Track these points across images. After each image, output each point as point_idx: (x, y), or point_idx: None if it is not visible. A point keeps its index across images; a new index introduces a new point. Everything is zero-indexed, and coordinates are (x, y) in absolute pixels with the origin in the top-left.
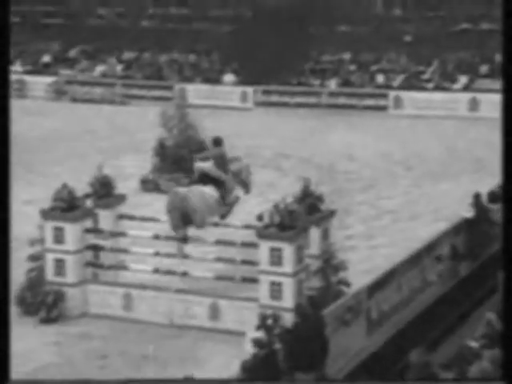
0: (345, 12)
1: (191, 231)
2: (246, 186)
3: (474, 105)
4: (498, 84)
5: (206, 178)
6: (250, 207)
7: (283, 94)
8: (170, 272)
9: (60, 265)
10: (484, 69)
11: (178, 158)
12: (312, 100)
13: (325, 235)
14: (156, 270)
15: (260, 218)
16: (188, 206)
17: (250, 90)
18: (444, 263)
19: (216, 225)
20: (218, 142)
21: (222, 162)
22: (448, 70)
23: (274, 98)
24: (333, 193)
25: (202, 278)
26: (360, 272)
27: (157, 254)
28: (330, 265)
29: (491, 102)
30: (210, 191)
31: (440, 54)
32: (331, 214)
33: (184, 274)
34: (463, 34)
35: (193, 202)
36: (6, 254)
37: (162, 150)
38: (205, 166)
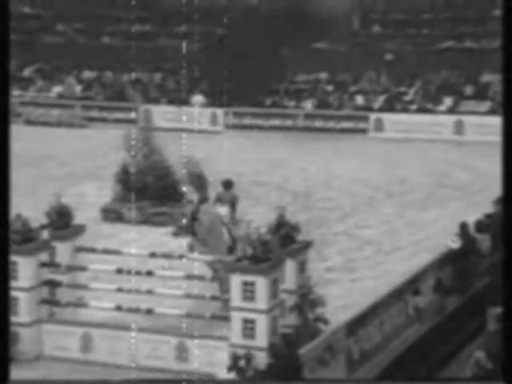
0: (321, 29)
1: (157, 267)
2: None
3: (459, 128)
4: (483, 106)
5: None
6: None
7: (256, 116)
8: (133, 309)
9: (13, 303)
10: (469, 90)
11: (143, 186)
12: (287, 123)
13: (301, 268)
14: (118, 308)
15: (230, 248)
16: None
17: (220, 111)
18: (426, 297)
19: (182, 257)
20: (229, 184)
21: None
22: (431, 90)
23: (246, 121)
24: (310, 222)
25: (169, 315)
26: (339, 308)
27: (119, 289)
28: (306, 300)
29: (477, 125)
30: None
31: (423, 73)
32: (308, 245)
33: (149, 311)
34: (447, 52)
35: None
36: (6, 253)
37: (124, 176)
38: (223, 210)
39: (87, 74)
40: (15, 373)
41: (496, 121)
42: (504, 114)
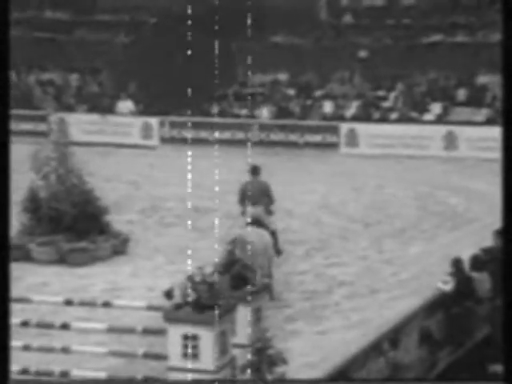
0: (279, 19)
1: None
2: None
3: (449, 141)
4: (479, 114)
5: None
6: (155, 279)
7: (199, 127)
8: (43, 373)
9: None
10: (461, 94)
11: (56, 215)
12: (237, 135)
13: (257, 317)
14: (24, 371)
15: (169, 294)
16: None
17: (154, 121)
18: (411, 352)
19: (107, 305)
20: (256, 171)
21: (268, 200)
22: (416, 95)
23: (186, 133)
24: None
25: (91, 379)
26: (304, 366)
27: (26, 348)
28: (263, 357)
29: (471, 138)
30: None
31: (405, 74)
32: (265, 287)
33: (64, 374)
34: (434, 48)
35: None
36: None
37: (33, 203)
38: (257, 211)
39: None
40: None
41: (495, 132)
42: (504, 125)
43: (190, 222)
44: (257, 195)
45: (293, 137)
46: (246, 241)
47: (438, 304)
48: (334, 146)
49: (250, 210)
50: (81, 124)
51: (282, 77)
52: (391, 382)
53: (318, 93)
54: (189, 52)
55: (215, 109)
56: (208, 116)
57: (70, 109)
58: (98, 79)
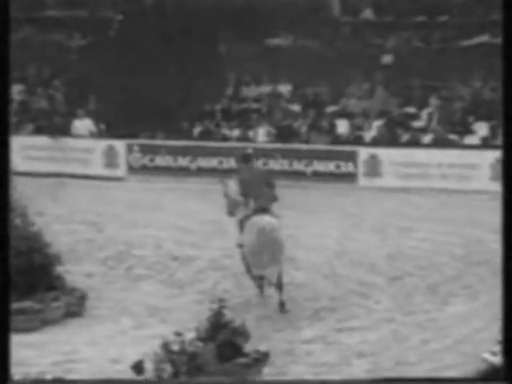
0: (280, 16)
1: None
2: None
3: (499, 171)
4: None
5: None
6: (120, 348)
7: (176, 152)
8: None
9: None
10: None
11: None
12: (226, 163)
13: None
14: None
15: (138, 367)
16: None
17: (119, 145)
18: None
19: (59, 382)
20: (248, 157)
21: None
22: (455, 112)
23: (161, 161)
24: (264, 321)
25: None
26: None
27: None
28: None
29: None
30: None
31: (441, 85)
32: (262, 359)
33: None
34: (477, 51)
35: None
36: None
37: None
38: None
39: None
40: None
41: None
42: (504, 125)
43: (165, 275)
44: (257, 185)
45: (298, 165)
46: (259, 226)
47: (484, 381)
48: (350, 176)
49: (252, 202)
50: (25, 149)
51: (284, 88)
52: (391, 382)
53: (330, 109)
54: (164, 57)
55: (197, 129)
56: (188, 139)
57: (12, 129)
58: (48, 92)
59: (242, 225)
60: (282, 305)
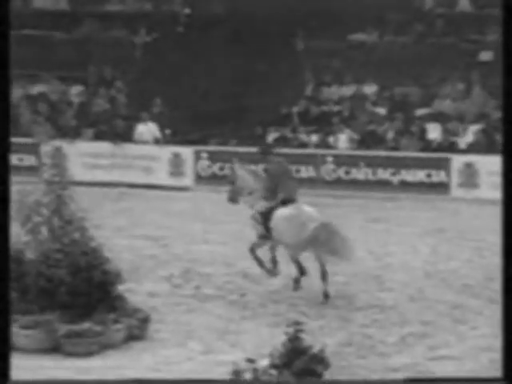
0: (364, 10)
1: None
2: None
3: None
4: None
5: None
6: (186, 375)
7: (249, 160)
8: None
9: None
10: None
11: (49, 285)
12: (305, 172)
13: None
14: None
15: None
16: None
17: (187, 152)
18: None
19: None
20: (268, 150)
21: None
22: None
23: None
24: (345, 346)
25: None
26: None
27: None
28: None
29: None
30: None
31: None
32: None
33: None
34: None
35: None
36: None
37: (16, 268)
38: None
39: None
40: None
41: None
42: (505, 125)
43: (235, 295)
44: (283, 177)
45: (383, 174)
46: (307, 214)
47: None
48: (442, 186)
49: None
50: (84, 156)
51: (369, 89)
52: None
53: (421, 112)
54: (237, 55)
55: (272, 135)
56: (262, 145)
57: (69, 135)
58: (110, 93)
59: (265, 216)
60: (326, 295)
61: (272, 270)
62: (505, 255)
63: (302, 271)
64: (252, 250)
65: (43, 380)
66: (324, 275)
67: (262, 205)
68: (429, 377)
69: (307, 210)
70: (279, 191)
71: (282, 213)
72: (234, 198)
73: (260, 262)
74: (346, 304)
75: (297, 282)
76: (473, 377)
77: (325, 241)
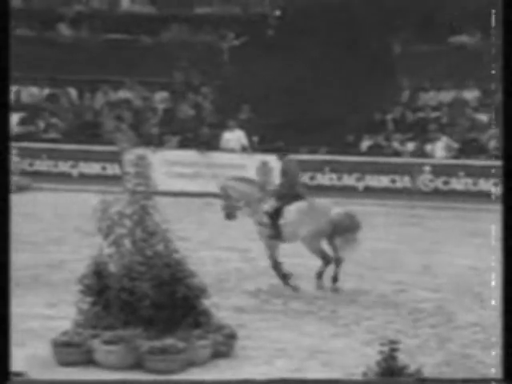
0: (467, 8)
1: None
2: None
3: None
4: None
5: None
6: None
7: (340, 169)
8: None
9: None
10: None
11: (132, 300)
12: (400, 183)
13: None
14: None
15: None
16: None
17: (275, 161)
18: None
19: None
20: (282, 150)
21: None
22: None
23: (323, 179)
24: (444, 366)
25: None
26: None
27: None
28: None
29: None
30: None
31: None
32: None
33: None
34: None
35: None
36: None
37: (98, 282)
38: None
39: (27, 94)
40: None
41: None
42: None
43: (327, 311)
44: (295, 174)
45: (485, 184)
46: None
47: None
48: None
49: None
50: (169, 165)
51: (470, 95)
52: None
53: None
54: (329, 59)
55: (365, 143)
56: (354, 154)
57: (153, 143)
58: (195, 100)
59: (274, 216)
60: (335, 279)
61: (296, 287)
62: (505, 255)
63: (328, 259)
64: (275, 265)
65: (43, 380)
66: (338, 261)
67: (269, 205)
68: (436, 377)
69: (320, 201)
70: (298, 187)
71: (295, 207)
72: (230, 214)
73: (284, 278)
74: (444, 322)
75: (320, 276)
76: (473, 377)
77: (347, 228)
